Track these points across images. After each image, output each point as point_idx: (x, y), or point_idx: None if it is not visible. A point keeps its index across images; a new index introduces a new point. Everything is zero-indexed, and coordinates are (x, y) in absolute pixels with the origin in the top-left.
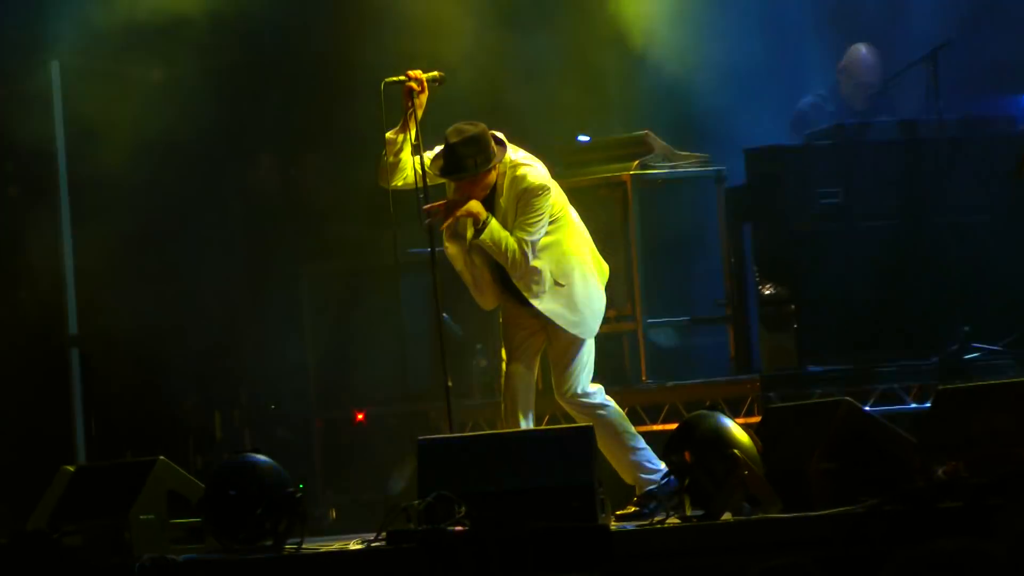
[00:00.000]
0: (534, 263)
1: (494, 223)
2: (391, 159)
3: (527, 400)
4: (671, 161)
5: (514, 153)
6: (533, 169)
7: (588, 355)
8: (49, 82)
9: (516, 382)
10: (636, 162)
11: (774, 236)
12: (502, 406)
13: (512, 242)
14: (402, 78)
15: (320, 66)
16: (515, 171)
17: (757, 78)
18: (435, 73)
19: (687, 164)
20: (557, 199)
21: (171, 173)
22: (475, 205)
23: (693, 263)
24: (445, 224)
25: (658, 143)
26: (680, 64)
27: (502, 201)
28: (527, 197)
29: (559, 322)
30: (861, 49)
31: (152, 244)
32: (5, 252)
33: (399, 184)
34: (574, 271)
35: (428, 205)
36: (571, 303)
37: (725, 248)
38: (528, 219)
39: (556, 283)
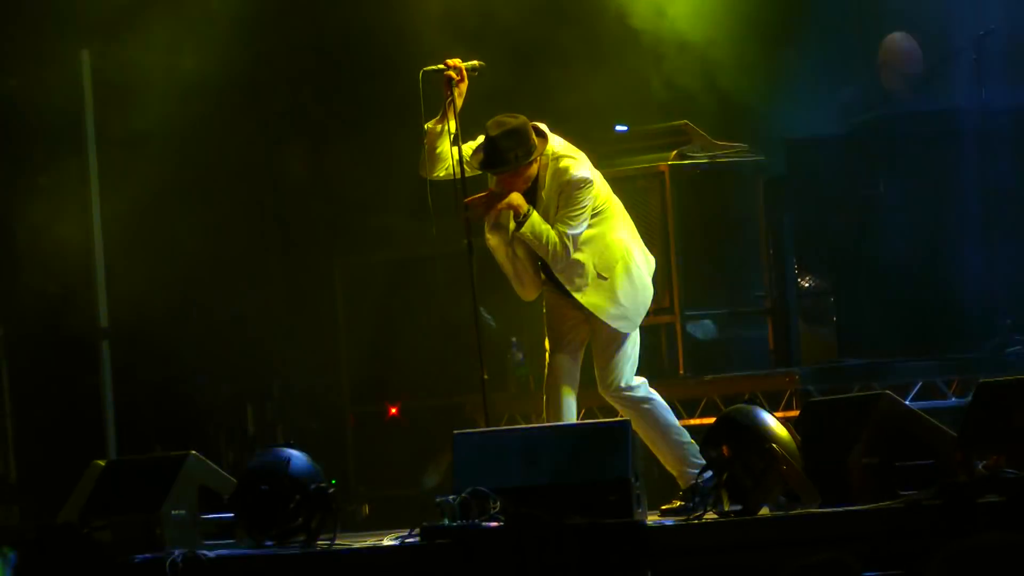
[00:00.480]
0: (576, 256)
1: (535, 216)
2: (432, 149)
3: (570, 392)
4: (710, 151)
5: (556, 145)
6: (575, 161)
7: (632, 348)
8: (80, 71)
9: (559, 374)
10: (674, 152)
11: (814, 228)
12: (544, 397)
13: (553, 235)
14: (441, 67)
15: (358, 54)
16: (557, 163)
17: (798, 67)
18: (474, 62)
19: (726, 154)
20: (600, 191)
21: (204, 165)
22: (516, 198)
23: (732, 255)
24: (488, 216)
25: (697, 133)
26: (721, 53)
27: (544, 194)
28: (569, 190)
29: (601, 315)
30: (896, 38)
31: (185, 238)
32: (35, 244)
33: (440, 175)
34: (617, 263)
35: (469, 198)
36: (613, 296)
37: (764, 240)
38: (570, 212)
39: (599, 276)
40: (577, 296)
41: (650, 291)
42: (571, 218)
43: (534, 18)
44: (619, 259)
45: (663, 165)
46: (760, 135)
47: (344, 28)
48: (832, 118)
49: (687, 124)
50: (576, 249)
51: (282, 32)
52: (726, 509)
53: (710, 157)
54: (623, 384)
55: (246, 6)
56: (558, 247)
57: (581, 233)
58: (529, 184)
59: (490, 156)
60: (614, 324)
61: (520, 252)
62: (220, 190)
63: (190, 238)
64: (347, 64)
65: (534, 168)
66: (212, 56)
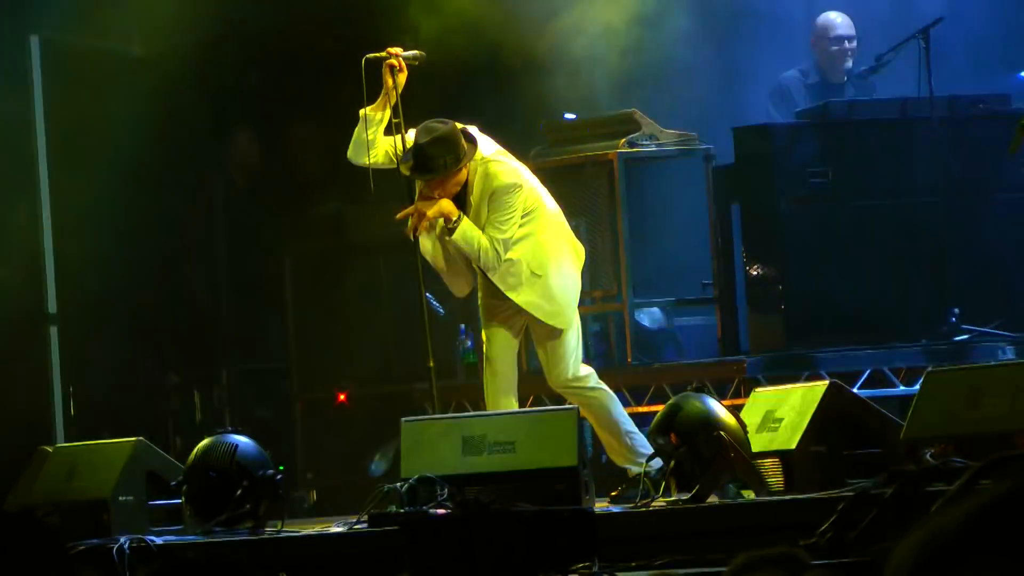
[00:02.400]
0: (509, 255)
1: (466, 222)
2: (366, 136)
3: (509, 381)
4: (658, 139)
5: (486, 149)
6: (504, 166)
7: (575, 340)
8: (28, 57)
9: (497, 364)
10: (623, 140)
11: (762, 216)
12: (485, 388)
13: (484, 241)
14: (383, 54)
15: (303, 39)
16: (486, 168)
17: (745, 55)
18: (415, 52)
19: (674, 142)
20: (530, 193)
21: (153, 150)
22: (446, 204)
23: (680, 243)
24: (420, 229)
25: (645, 121)
26: (668, 41)
27: (472, 198)
28: (498, 195)
29: (537, 313)
30: (827, 13)
31: (132, 221)
32: None
33: (368, 162)
34: (549, 261)
35: (400, 214)
36: (548, 293)
37: (712, 228)
38: (500, 217)
39: (533, 274)
40: (512, 296)
41: (579, 283)
42: (501, 223)
43: (484, 2)
44: (551, 257)
45: (612, 153)
46: (708, 123)
47: (295, 10)
48: (769, 99)
49: (635, 112)
50: (507, 252)
51: (232, 15)
52: (674, 497)
53: (658, 145)
54: (570, 375)
55: None
56: (489, 252)
57: (512, 237)
58: (459, 188)
59: (419, 162)
60: (550, 321)
61: (452, 248)
62: (170, 175)
63: (139, 222)
64: (297, 48)
65: (463, 173)
66: (161, 40)
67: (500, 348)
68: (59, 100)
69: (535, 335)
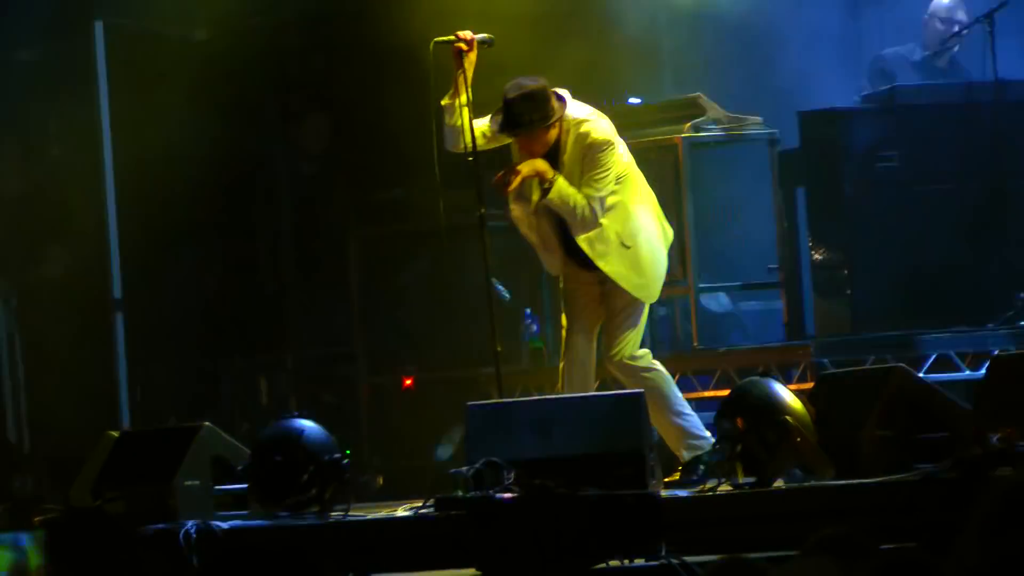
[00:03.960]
0: (605, 224)
1: (561, 181)
2: (450, 124)
3: (588, 369)
4: (724, 124)
5: (578, 110)
6: (598, 124)
7: (642, 320)
8: (93, 42)
9: (577, 352)
10: (688, 124)
11: (828, 200)
12: (561, 376)
13: (581, 199)
14: (451, 38)
15: (369, 24)
16: (579, 127)
17: (814, 40)
18: (485, 35)
19: (740, 127)
20: (623, 158)
21: (218, 137)
22: (541, 163)
23: (746, 227)
24: (512, 187)
25: (710, 105)
26: (736, 24)
27: (566, 159)
28: (592, 153)
29: (623, 284)
30: None
31: (197, 206)
32: (50, 214)
33: (462, 148)
34: (640, 232)
35: (497, 176)
36: (637, 265)
37: (778, 212)
38: (595, 175)
39: (623, 244)
40: (600, 264)
41: (666, 263)
42: (596, 180)
43: None
44: (642, 228)
45: (677, 138)
46: (774, 108)
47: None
48: (867, 74)
49: (700, 96)
50: (604, 213)
51: (295, 4)
52: (740, 481)
53: (723, 129)
54: (629, 354)
55: None
56: (586, 211)
57: (607, 197)
58: (547, 149)
59: (507, 119)
60: (636, 293)
61: (544, 223)
62: (234, 160)
63: (204, 208)
64: (362, 32)
65: (553, 133)
66: (226, 27)
67: (580, 337)
68: (123, 85)
69: (609, 310)
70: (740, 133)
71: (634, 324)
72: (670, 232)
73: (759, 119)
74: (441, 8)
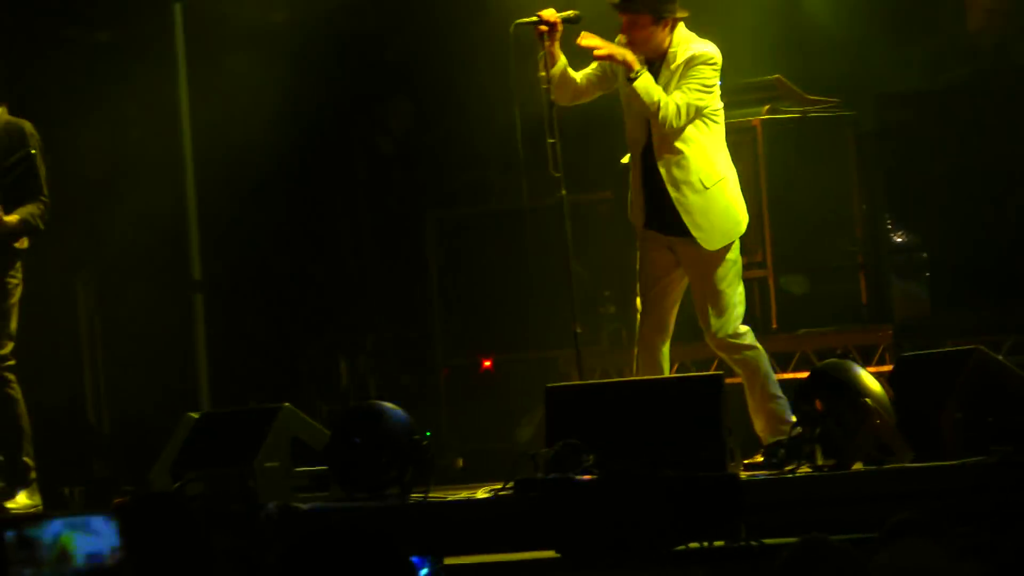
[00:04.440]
0: (683, 147)
1: (648, 76)
2: (557, 88)
3: (661, 346)
4: (803, 106)
5: (693, 37)
6: (711, 47)
7: (737, 294)
8: (172, 24)
9: (651, 331)
10: (767, 107)
11: (907, 183)
12: (635, 351)
13: (666, 97)
14: (534, 19)
15: (448, 5)
16: (690, 44)
17: (891, 22)
18: (570, 12)
19: (819, 109)
20: (720, 101)
21: (297, 119)
22: (631, 55)
23: (824, 209)
24: (598, 51)
25: (789, 87)
26: (814, 6)
27: (669, 68)
28: (696, 62)
29: (685, 218)
30: None
31: (276, 188)
32: (129, 196)
33: (573, 103)
34: (719, 181)
35: (587, 36)
36: (705, 210)
37: (857, 195)
38: (690, 83)
39: (701, 182)
40: (671, 190)
41: (737, 227)
42: (690, 88)
43: None
44: (722, 177)
45: (755, 120)
46: (852, 90)
47: None
48: (924, 73)
49: (779, 79)
50: (691, 119)
51: None
52: (819, 463)
53: (802, 112)
54: (731, 330)
55: None
56: (670, 106)
57: (696, 106)
58: (651, 48)
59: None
60: (694, 232)
61: (635, 171)
62: (313, 142)
63: (283, 189)
64: (441, 15)
65: (662, 36)
66: (304, 8)
67: (654, 316)
68: (202, 67)
69: (695, 285)
70: (819, 115)
71: (729, 299)
72: (747, 217)
73: (837, 101)
74: None
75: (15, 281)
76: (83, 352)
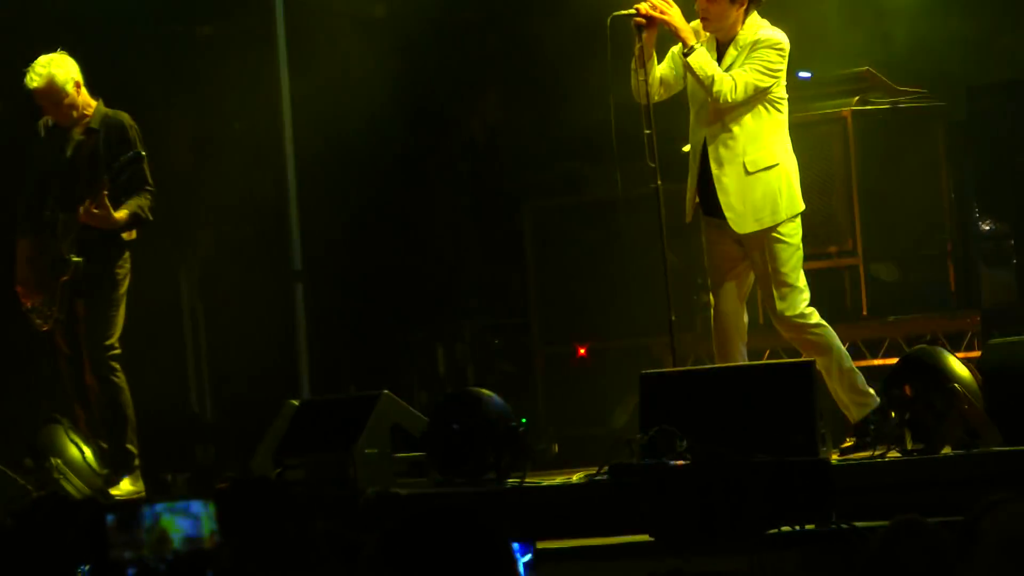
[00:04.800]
0: (735, 128)
1: (702, 51)
2: (634, 86)
3: (738, 335)
4: (892, 96)
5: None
6: (780, 34)
7: (800, 278)
8: (273, 17)
9: (724, 320)
10: (856, 98)
11: (996, 172)
12: (714, 345)
13: (721, 73)
14: (631, 12)
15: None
16: (760, 28)
17: (980, 13)
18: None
19: (908, 100)
20: (784, 90)
21: (395, 111)
22: (688, 29)
23: (913, 198)
24: (654, 12)
25: (879, 79)
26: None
27: (735, 48)
28: (761, 45)
29: (721, 199)
30: None
31: (374, 179)
32: (231, 188)
33: (657, 99)
34: (770, 167)
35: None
36: (743, 194)
37: (946, 184)
38: (752, 64)
39: (744, 167)
40: (713, 169)
41: (790, 212)
42: (753, 69)
43: None
44: (775, 163)
45: (846, 111)
46: (941, 81)
47: None
48: (1013, 64)
49: (869, 70)
50: (749, 97)
51: None
52: (909, 448)
53: (892, 103)
54: (797, 311)
55: None
56: (726, 81)
57: (755, 86)
58: (724, 27)
59: None
60: (726, 212)
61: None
62: (410, 133)
63: (381, 180)
64: (537, 8)
65: (734, 15)
66: (403, 2)
67: (726, 305)
68: (303, 59)
69: (758, 269)
70: (908, 106)
71: (792, 279)
72: (801, 203)
73: (926, 91)
74: None
75: (123, 272)
76: (186, 340)
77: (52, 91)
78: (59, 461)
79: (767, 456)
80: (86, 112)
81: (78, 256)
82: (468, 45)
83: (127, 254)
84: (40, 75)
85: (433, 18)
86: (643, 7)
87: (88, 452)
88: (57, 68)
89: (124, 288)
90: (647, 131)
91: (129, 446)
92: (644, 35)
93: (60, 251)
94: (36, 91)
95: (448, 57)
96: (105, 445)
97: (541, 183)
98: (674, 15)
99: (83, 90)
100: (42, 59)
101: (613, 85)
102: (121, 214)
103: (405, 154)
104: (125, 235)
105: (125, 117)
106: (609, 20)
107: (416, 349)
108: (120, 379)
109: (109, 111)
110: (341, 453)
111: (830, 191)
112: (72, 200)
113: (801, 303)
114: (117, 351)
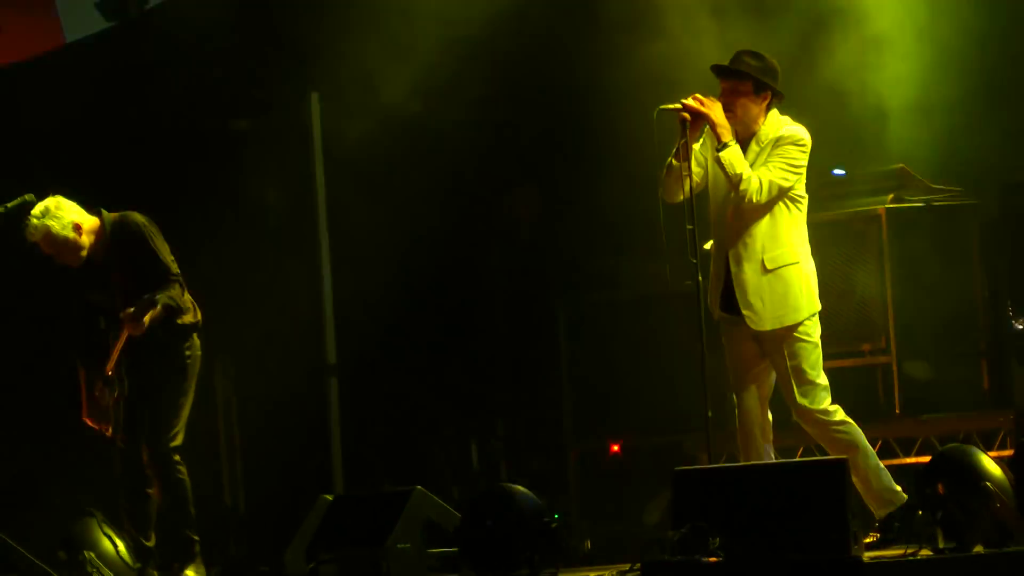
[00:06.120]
0: (754, 226)
1: (736, 148)
2: (672, 180)
3: (761, 433)
4: (926, 195)
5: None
6: (802, 131)
7: (821, 375)
8: (309, 113)
9: (747, 419)
10: (891, 195)
11: None
12: (739, 442)
13: (750, 171)
14: (677, 106)
15: (578, 94)
16: (782, 125)
17: (1015, 111)
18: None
19: (943, 198)
20: (805, 187)
21: (428, 207)
22: (727, 127)
23: (947, 296)
24: (698, 106)
25: (913, 177)
26: (937, 99)
27: (758, 144)
28: (785, 142)
29: (738, 292)
30: None
31: (408, 274)
32: (266, 281)
33: (679, 199)
34: (789, 265)
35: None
36: (761, 292)
37: (979, 281)
38: (776, 162)
39: (764, 264)
40: (732, 266)
41: (808, 311)
42: (777, 167)
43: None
44: (794, 262)
45: (880, 208)
46: (975, 179)
47: (569, 70)
48: None
49: (904, 168)
50: (774, 197)
51: (506, 76)
52: (941, 546)
53: (926, 201)
54: (818, 408)
55: (472, 50)
56: (752, 180)
57: (778, 186)
58: (745, 121)
59: (732, 61)
60: (743, 311)
61: (716, 262)
62: (446, 229)
63: (416, 275)
64: (574, 105)
65: (758, 111)
66: (438, 100)
67: (749, 402)
68: (338, 155)
69: (778, 366)
70: (942, 204)
71: (812, 376)
72: (818, 302)
73: (960, 189)
74: (651, 77)
75: (191, 358)
76: (220, 434)
77: (52, 242)
78: (92, 554)
79: (800, 554)
80: (94, 238)
81: (128, 371)
82: (503, 141)
83: (194, 336)
84: (37, 229)
85: (469, 114)
86: (689, 102)
87: (121, 545)
88: (51, 219)
89: (194, 376)
90: (689, 227)
91: (190, 533)
92: (688, 130)
93: (106, 371)
94: (37, 244)
95: (483, 152)
96: (150, 543)
97: (577, 278)
98: (716, 111)
99: (85, 225)
100: (36, 210)
101: (662, 179)
102: (154, 312)
103: (440, 248)
104: (181, 320)
105: (132, 218)
106: (655, 113)
107: (449, 444)
108: (183, 471)
109: (115, 217)
110: (374, 548)
111: (864, 288)
112: (115, 316)
113: (823, 399)
114: (179, 443)
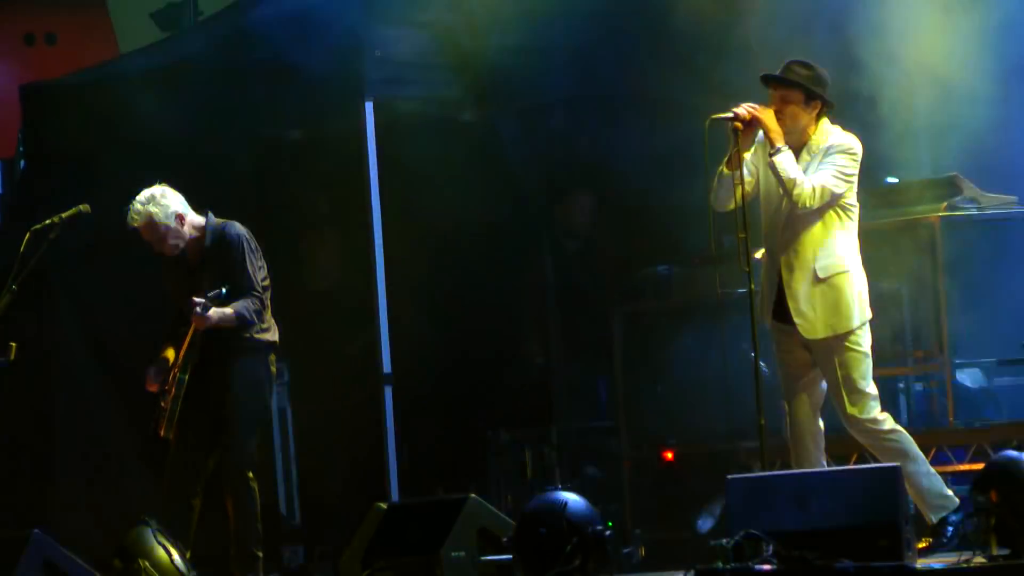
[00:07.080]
0: (805, 235)
1: (789, 153)
2: (724, 189)
3: (814, 440)
4: (979, 203)
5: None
6: (854, 139)
7: (870, 384)
8: (363, 122)
9: (799, 428)
10: (944, 204)
11: None
12: (791, 450)
13: (803, 178)
14: (729, 115)
15: (631, 104)
16: (833, 134)
17: None
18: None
19: (995, 206)
20: (857, 195)
21: (484, 213)
22: (778, 132)
23: (1000, 304)
24: (744, 113)
25: (966, 185)
26: (988, 107)
27: (808, 154)
28: (836, 150)
29: (791, 302)
30: None
31: (464, 282)
32: (321, 292)
33: (731, 208)
34: (840, 274)
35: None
36: (813, 301)
37: None
38: (828, 170)
39: (815, 273)
40: (784, 274)
41: (858, 320)
42: (828, 175)
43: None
44: (844, 271)
45: (934, 216)
46: None
47: (625, 75)
48: None
49: (957, 176)
50: (826, 203)
51: (561, 82)
52: (994, 553)
53: (980, 208)
54: (868, 416)
55: (527, 58)
56: (805, 186)
57: (830, 192)
58: (796, 129)
59: (782, 70)
60: (795, 318)
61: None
62: (500, 238)
63: (471, 283)
64: (626, 113)
65: (808, 119)
66: (493, 107)
67: (801, 411)
68: (392, 164)
69: (828, 375)
70: (996, 212)
71: (861, 384)
72: (869, 311)
73: (1014, 198)
74: (709, 86)
75: (267, 373)
76: (276, 443)
77: (153, 230)
78: (147, 563)
79: (853, 560)
80: (195, 234)
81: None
82: (557, 149)
83: (270, 355)
84: (140, 214)
85: (523, 122)
86: (741, 110)
87: (176, 555)
88: (155, 207)
89: (269, 393)
90: (741, 235)
91: (255, 550)
92: (740, 138)
93: (175, 371)
94: (138, 230)
95: (537, 161)
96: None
97: (631, 286)
98: (769, 117)
99: (188, 217)
100: (141, 196)
101: (715, 188)
102: (222, 313)
103: (493, 257)
104: (259, 336)
105: (234, 227)
106: (707, 123)
107: (503, 452)
108: (255, 488)
109: (219, 223)
110: (428, 556)
111: (917, 296)
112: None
113: (873, 408)
114: (254, 460)
